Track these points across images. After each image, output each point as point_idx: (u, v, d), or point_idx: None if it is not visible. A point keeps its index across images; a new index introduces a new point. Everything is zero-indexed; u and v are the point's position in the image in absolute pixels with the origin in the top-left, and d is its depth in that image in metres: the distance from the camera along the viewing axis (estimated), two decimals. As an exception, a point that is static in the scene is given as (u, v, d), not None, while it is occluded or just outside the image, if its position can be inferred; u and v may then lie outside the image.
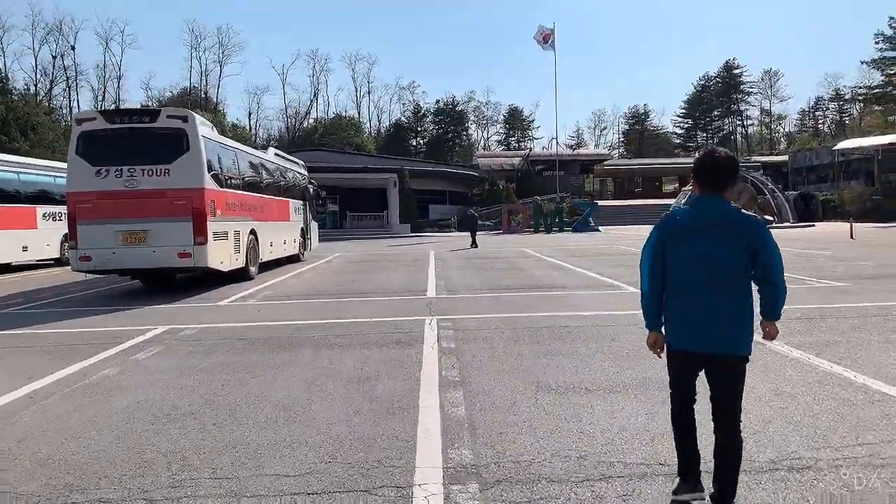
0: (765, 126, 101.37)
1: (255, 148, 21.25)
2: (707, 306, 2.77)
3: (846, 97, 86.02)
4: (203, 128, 11.87)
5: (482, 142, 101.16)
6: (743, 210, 2.87)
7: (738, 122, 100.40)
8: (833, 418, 4.09)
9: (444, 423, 4.16)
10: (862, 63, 72.46)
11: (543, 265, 16.17)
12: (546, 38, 52.14)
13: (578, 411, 4.36)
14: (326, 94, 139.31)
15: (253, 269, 14.07)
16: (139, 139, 11.40)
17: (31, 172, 19.58)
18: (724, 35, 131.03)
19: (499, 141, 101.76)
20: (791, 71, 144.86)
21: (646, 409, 4.34)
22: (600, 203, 49.85)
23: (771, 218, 38.49)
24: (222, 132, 43.87)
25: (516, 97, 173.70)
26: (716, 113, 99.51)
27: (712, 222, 2.78)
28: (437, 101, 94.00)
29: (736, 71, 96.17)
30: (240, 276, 13.40)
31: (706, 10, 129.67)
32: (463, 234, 27.66)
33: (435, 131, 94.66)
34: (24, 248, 18.50)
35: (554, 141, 74.69)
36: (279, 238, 16.86)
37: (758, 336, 2.94)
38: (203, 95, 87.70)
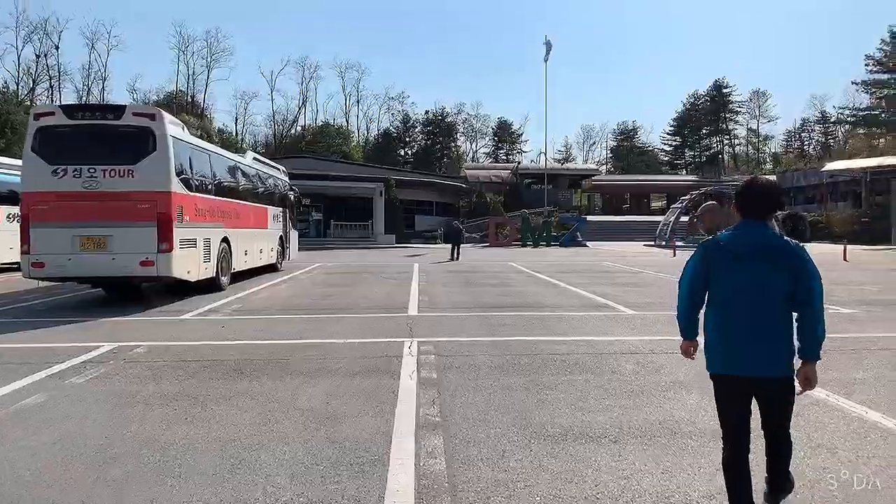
0: (752, 146, 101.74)
1: (237, 152, 20.42)
2: (757, 330, 2.76)
3: (832, 119, 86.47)
4: (172, 127, 11.01)
5: (471, 154, 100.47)
6: (774, 231, 2.97)
7: (725, 142, 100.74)
8: (890, 484, 3.40)
9: (420, 483, 3.40)
10: (853, 84, 72.83)
11: (532, 281, 15.46)
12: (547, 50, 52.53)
13: (581, 467, 3.64)
14: (315, 101, 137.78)
15: (224, 280, 13.19)
16: (102, 137, 10.52)
17: (1, 172, 18.53)
18: (714, 54, 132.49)
19: (487, 153, 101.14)
20: (778, 91, 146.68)
21: (660, 467, 3.64)
22: (588, 218, 49.41)
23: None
24: (208, 137, 43.31)
25: (506, 110, 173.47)
26: (704, 131, 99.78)
27: (757, 247, 2.82)
28: (427, 112, 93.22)
29: (725, 90, 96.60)
30: (210, 286, 12.54)
31: (696, 29, 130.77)
32: (448, 246, 26.93)
33: (423, 142, 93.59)
34: (-14, 252, 17.47)
35: (542, 155, 74.27)
36: (255, 247, 16.00)
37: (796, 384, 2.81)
38: (190, 99, 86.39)
